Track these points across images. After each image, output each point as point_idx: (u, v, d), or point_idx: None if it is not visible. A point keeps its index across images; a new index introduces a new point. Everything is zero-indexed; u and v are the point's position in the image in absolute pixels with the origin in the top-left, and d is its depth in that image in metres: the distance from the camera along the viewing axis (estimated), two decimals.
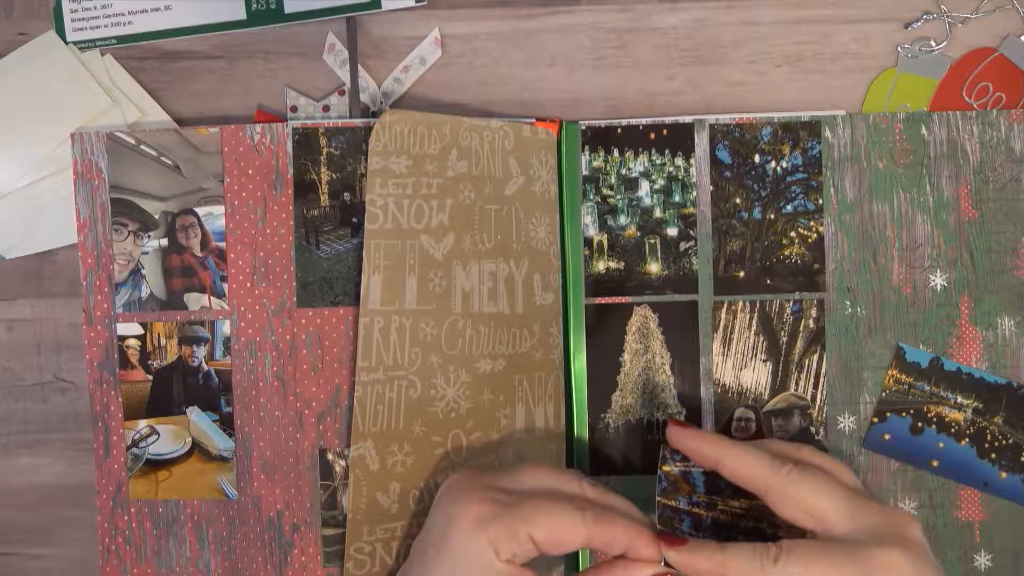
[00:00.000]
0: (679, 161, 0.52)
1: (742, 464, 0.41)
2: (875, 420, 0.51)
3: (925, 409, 0.51)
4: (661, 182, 0.52)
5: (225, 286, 0.51)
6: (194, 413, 0.51)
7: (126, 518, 0.51)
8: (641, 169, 0.52)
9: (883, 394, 0.51)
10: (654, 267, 0.52)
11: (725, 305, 0.51)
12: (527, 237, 0.50)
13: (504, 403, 0.49)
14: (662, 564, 0.40)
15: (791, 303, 0.51)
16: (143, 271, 0.51)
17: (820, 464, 0.41)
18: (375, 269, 0.47)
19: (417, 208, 0.48)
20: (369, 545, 0.48)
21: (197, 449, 0.51)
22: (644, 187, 0.52)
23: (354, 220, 0.51)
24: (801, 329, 0.51)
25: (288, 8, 0.52)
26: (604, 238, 0.52)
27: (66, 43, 0.53)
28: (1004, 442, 0.51)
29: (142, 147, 0.51)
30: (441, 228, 0.48)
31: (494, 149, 0.49)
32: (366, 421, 0.47)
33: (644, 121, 0.52)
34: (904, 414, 0.51)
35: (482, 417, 0.49)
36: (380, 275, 0.47)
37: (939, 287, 0.51)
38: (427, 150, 0.48)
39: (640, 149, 0.52)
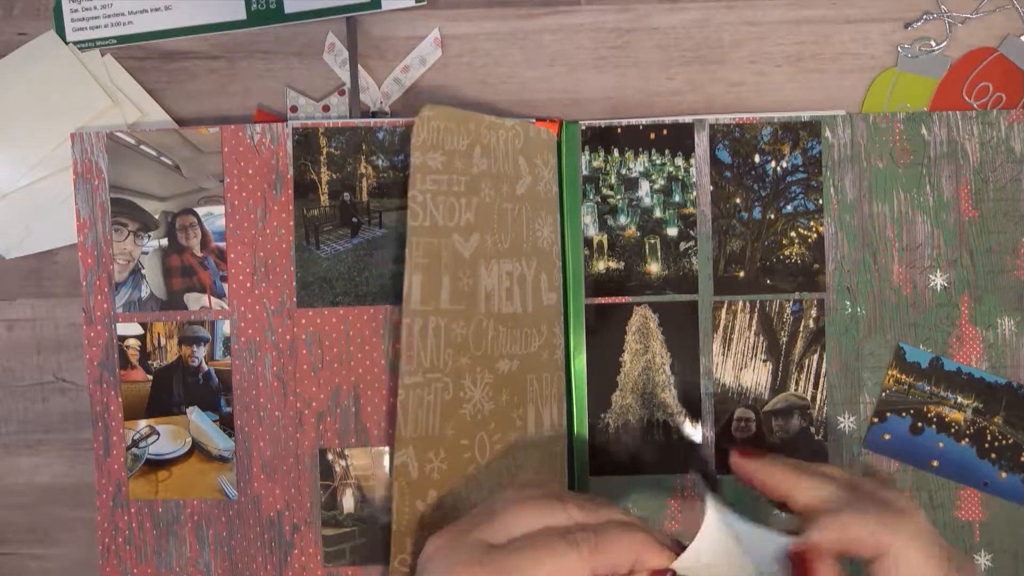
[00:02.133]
0: (679, 161, 0.52)
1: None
2: (875, 420, 0.51)
3: (925, 409, 0.51)
4: (661, 182, 0.52)
5: (225, 286, 0.51)
6: (194, 413, 0.51)
7: (126, 518, 0.51)
8: (641, 169, 0.52)
9: (883, 394, 0.51)
10: (654, 267, 0.52)
11: (725, 305, 0.51)
12: (534, 237, 0.50)
13: (517, 404, 0.49)
14: (670, 574, 0.39)
15: (791, 303, 0.51)
16: (143, 271, 0.51)
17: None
18: (416, 267, 0.46)
19: (449, 205, 0.47)
20: (412, 557, 0.46)
21: (197, 449, 0.51)
22: (644, 187, 0.52)
23: (354, 220, 0.50)
24: (801, 329, 0.51)
25: (288, 8, 0.52)
26: (604, 238, 0.52)
27: (66, 43, 0.53)
28: (1004, 442, 0.51)
29: (142, 147, 0.51)
30: (468, 226, 0.48)
31: (507, 148, 0.49)
32: (408, 427, 0.46)
33: (644, 121, 0.52)
34: (904, 414, 0.51)
35: (501, 419, 0.49)
36: (420, 274, 0.46)
37: (939, 287, 0.51)
38: (456, 146, 0.48)
39: (640, 149, 0.52)
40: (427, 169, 0.47)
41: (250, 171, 0.51)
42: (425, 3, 0.52)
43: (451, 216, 0.47)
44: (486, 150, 0.48)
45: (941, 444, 0.51)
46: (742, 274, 0.51)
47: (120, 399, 0.51)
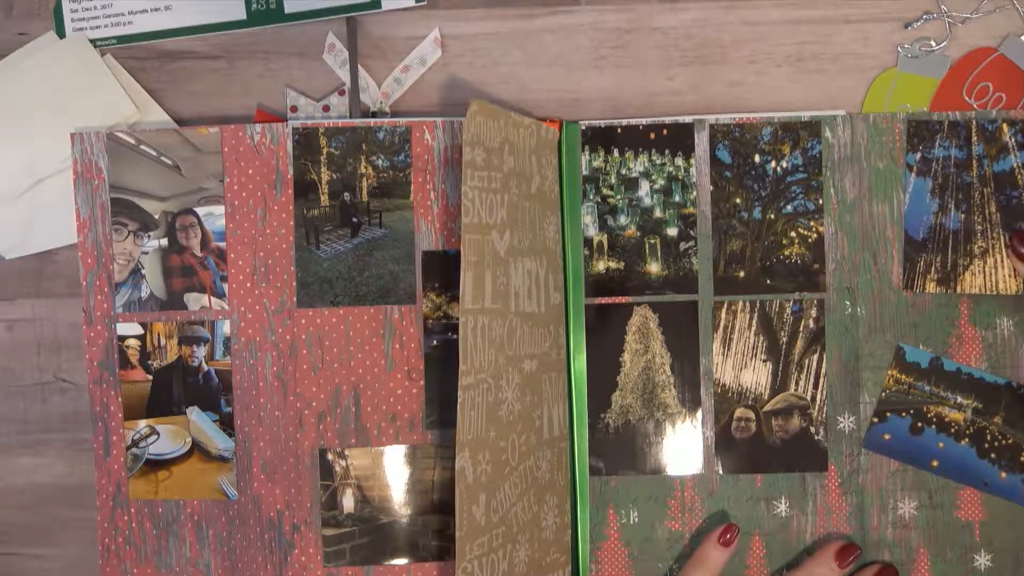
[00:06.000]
0: (679, 161, 0.52)
1: None
2: (875, 420, 0.51)
3: (925, 409, 0.51)
4: (661, 182, 0.52)
5: (225, 286, 0.51)
6: (194, 413, 0.51)
7: (126, 518, 0.51)
8: (641, 169, 0.52)
9: (883, 394, 0.51)
10: (654, 267, 0.52)
11: (725, 305, 0.51)
12: (544, 236, 0.50)
13: (537, 404, 0.49)
14: None
15: (791, 303, 0.51)
16: (143, 271, 0.51)
17: None
18: (469, 265, 0.45)
19: (489, 202, 0.46)
20: (470, 564, 0.45)
21: (197, 449, 0.51)
22: (644, 187, 0.52)
23: (354, 220, 0.51)
24: (801, 329, 0.51)
25: (288, 8, 0.52)
26: (604, 238, 0.52)
27: (60, 37, 0.53)
28: (1004, 442, 0.51)
29: (142, 147, 0.51)
30: (502, 224, 0.47)
31: (525, 147, 0.49)
32: (464, 430, 0.45)
33: (644, 121, 0.52)
34: (904, 414, 0.51)
35: (525, 419, 0.48)
36: (471, 272, 0.45)
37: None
38: (492, 143, 0.47)
39: (640, 149, 0.52)
40: (474, 165, 0.45)
41: (250, 171, 0.51)
42: (425, 3, 0.52)
43: (490, 213, 0.46)
44: (512, 148, 0.48)
45: (941, 444, 0.51)
46: (742, 274, 0.51)
47: (120, 399, 0.51)
